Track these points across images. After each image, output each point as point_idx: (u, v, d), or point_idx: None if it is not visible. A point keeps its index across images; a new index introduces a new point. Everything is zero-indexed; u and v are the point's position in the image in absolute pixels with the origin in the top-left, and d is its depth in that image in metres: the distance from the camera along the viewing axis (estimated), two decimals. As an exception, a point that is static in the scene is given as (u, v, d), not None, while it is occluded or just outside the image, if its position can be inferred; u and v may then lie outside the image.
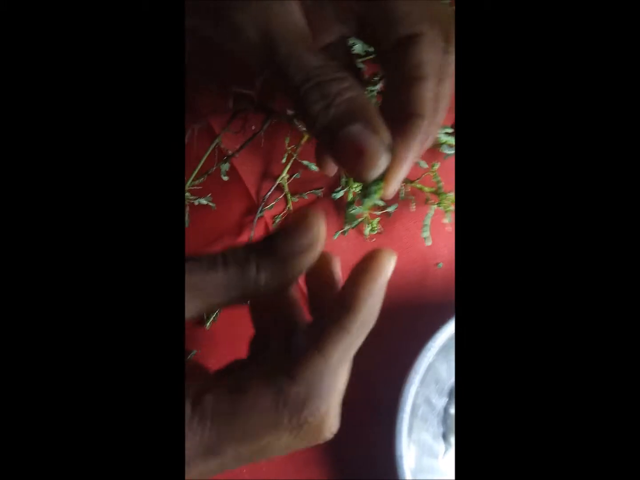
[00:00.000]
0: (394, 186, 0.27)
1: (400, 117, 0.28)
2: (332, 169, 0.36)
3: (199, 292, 0.23)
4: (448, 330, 0.42)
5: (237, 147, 0.46)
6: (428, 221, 0.46)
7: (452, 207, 0.46)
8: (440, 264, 0.48)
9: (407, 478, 0.40)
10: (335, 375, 0.23)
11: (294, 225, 0.23)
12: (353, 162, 0.25)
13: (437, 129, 0.30)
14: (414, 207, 0.47)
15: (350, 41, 0.40)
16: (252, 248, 0.23)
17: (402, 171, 0.27)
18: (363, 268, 0.24)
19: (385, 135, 0.25)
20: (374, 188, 0.26)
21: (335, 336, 0.23)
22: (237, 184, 0.47)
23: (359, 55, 0.44)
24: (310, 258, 0.24)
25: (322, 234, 0.23)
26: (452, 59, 0.29)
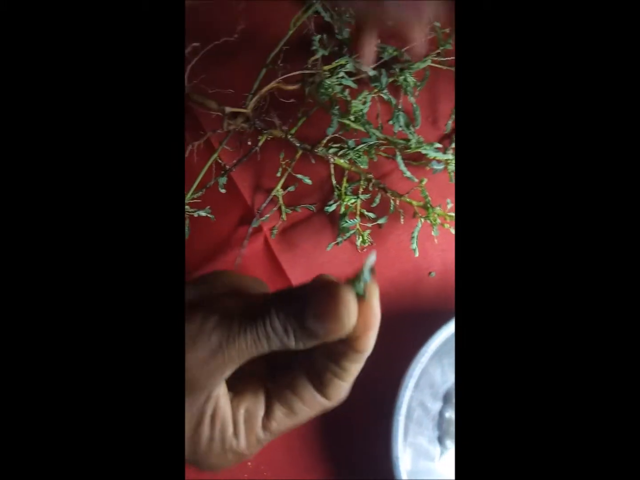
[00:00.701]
0: None
1: None
2: (371, 59, 0.43)
3: (240, 359, 0.28)
4: (441, 336, 0.43)
5: (235, 161, 0.48)
6: (416, 234, 0.47)
7: (439, 221, 0.47)
8: (433, 273, 0.49)
9: (403, 479, 0.40)
10: (351, 384, 0.31)
11: (327, 311, 0.27)
12: None
13: None
14: (403, 220, 0.48)
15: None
16: (290, 321, 0.28)
17: None
18: (362, 312, 0.28)
19: None
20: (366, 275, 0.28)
21: (351, 367, 0.30)
22: (235, 196, 0.49)
23: (351, 74, 0.46)
24: (341, 335, 0.27)
25: (352, 320, 0.27)
26: None
